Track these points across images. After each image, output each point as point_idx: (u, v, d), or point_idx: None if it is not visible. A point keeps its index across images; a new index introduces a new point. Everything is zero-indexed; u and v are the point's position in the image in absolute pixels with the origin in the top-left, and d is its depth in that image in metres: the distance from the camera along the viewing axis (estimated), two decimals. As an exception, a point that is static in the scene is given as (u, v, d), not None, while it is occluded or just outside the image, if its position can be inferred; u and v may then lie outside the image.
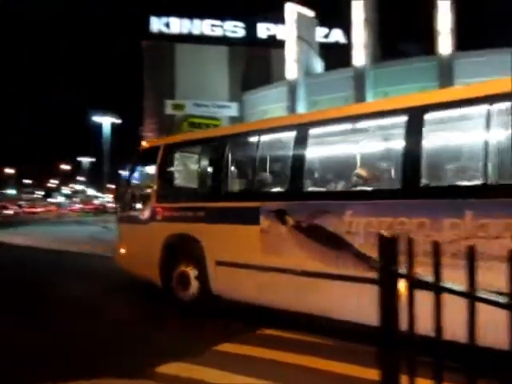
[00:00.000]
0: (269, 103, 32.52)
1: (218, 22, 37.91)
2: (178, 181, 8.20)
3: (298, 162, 5.99)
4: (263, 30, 38.41)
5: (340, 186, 6.22)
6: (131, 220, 8.47)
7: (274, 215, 6.00)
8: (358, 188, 5.75)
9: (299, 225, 5.73)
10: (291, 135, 6.18)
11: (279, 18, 32.48)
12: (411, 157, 4.90)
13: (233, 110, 35.89)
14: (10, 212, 56.88)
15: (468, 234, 4.37)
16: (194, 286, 7.01)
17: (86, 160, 64.98)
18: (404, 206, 4.94)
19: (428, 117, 4.91)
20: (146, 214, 7.96)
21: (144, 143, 9.02)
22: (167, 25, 37.37)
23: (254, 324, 6.32)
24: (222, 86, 36.61)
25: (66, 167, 79.00)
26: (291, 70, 29.89)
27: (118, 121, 30.96)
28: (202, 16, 37.65)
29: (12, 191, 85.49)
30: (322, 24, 35.82)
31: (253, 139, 6.87)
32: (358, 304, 4.96)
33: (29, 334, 6.08)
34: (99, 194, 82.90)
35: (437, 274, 1.76)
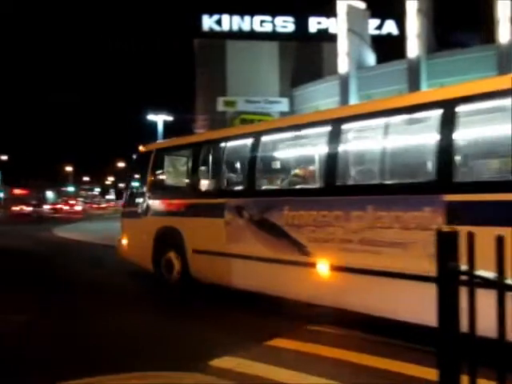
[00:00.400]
0: (320, 98, 32.19)
1: (268, 18, 37.89)
2: (166, 180, 9.34)
3: (251, 165, 7.18)
4: (314, 23, 38.07)
5: (281, 186, 7.40)
6: (130, 215, 9.69)
7: (234, 210, 7.16)
8: (292, 187, 6.95)
9: (252, 218, 6.88)
10: (247, 143, 7.30)
11: (331, 11, 32.10)
12: (330, 162, 6.06)
13: (284, 105, 35.78)
14: (79, 208, 58.36)
15: (370, 224, 5.43)
16: (176, 268, 8.28)
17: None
18: (325, 201, 6.05)
19: (342, 128, 6.07)
20: (141, 209, 9.20)
21: (141, 147, 9.88)
22: (218, 22, 37.68)
23: (301, 320, 6.29)
24: (273, 82, 36.58)
25: (121, 165, 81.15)
26: (343, 64, 29.45)
27: (170, 118, 31.42)
28: (252, 12, 37.76)
29: (71, 188, 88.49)
30: (374, 15, 35.09)
31: (220, 145, 8.06)
32: (297, 283, 6.18)
33: (89, 322, 6.29)
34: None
35: (500, 270, 1.67)
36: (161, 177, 9.37)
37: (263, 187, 7.35)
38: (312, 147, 7.32)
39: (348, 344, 5.27)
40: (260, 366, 4.64)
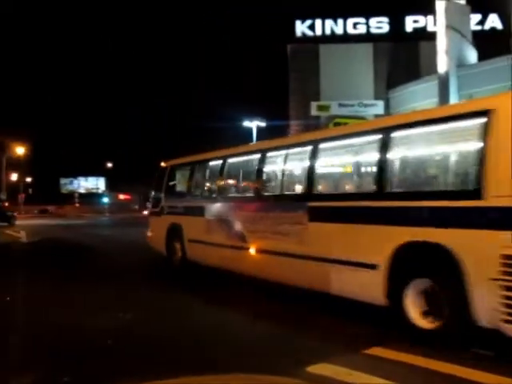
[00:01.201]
0: (418, 100, 31.05)
1: (361, 20, 37.30)
2: (175, 189, 12.28)
3: (213, 180, 10.54)
4: (410, 22, 36.92)
5: (227, 194, 10.06)
6: (154, 214, 12.67)
7: (208, 210, 10.06)
8: (234, 194, 9.96)
9: (215, 216, 9.80)
10: (217, 163, 10.23)
11: (428, 9, 30.94)
12: (255, 178, 8.92)
13: (379, 108, 35.00)
14: None
15: (276, 220, 7.97)
16: (178, 254, 11.06)
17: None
18: (254, 205, 8.76)
19: (266, 156, 8.75)
20: (160, 210, 12.19)
21: (162, 163, 12.59)
22: (311, 27, 37.68)
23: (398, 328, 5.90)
24: (367, 85, 35.91)
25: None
26: (442, 63, 28.17)
27: (263, 124, 31.77)
28: (345, 15, 37.36)
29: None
30: (476, 10, 33.35)
31: (203, 165, 11.03)
32: (239, 261, 8.81)
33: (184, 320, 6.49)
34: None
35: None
36: (173, 185, 12.28)
37: (221, 195, 10.05)
38: (248, 169, 9.68)
39: (460, 359, 4.80)
40: (360, 375, 4.48)
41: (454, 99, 27.82)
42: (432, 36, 30.06)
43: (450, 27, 28.09)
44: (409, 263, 5.66)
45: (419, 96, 30.83)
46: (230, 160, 9.88)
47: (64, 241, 22.10)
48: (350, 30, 37.28)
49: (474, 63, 29.40)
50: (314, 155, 7.40)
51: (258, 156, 8.86)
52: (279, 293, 8.10)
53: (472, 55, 30.17)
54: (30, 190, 73.30)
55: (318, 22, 37.60)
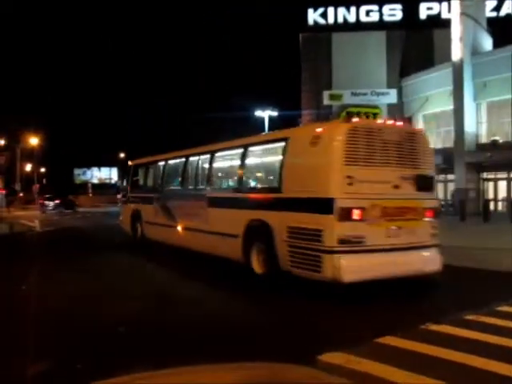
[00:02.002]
0: (431, 88, 30.79)
1: (374, 7, 36.91)
2: (137, 183, 15.27)
3: (161, 176, 13.50)
4: (424, 10, 36.46)
5: (167, 187, 13.09)
6: (123, 203, 16.28)
7: (155, 200, 13.03)
8: (169, 188, 12.99)
9: (160, 203, 12.72)
10: (161, 164, 13.63)
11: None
12: (181, 176, 12.31)
13: (392, 96, 34.73)
14: None
15: (191, 206, 11.06)
16: (139, 232, 14.07)
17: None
18: (181, 195, 11.93)
19: (187, 160, 11.92)
20: (127, 199, 15.52)
21: (129, 162, 16.45)
22: (323, 15, 37.37)
23: (413, 316, 6.01)
24: (380, 73, 35.61)
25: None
26: (456, 50, 27.80)
27: (274, 113, 31.59)
28: (357, 3, 36.99)
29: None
30: (491, -4, 32.87)
31: (153, 165, 14.34)
32: (174, 236, 11.77)
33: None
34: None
35: None
36: (136, 180, 15.37)
37: (162, 188, 13.09)
38: (178, 170, 12.69)
39: (472, 348, 4.81)
40: (371, 364, 4.44)
41: (468, 87, 27.52)
42: (446, 23, 29.72)
43: (464, 14, 27.70)
44: (252, 233, 8.51)
45: (433, 84, 30.54)
46: (169, 162, 13.26)
47: (75, 229, 22.95)
48: (363, 18, 36.91)
49: (488, 50, 29.00)
50: (209, 161, 10.69)
51: (182, 160, 12.10)
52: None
53: (487, 42, 29.74)
54: (44, 181, 73.85)
55: (331, 10, 37.28)
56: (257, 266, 8.39)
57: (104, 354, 4.95)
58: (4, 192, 48.09)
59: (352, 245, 6.91)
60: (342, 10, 37.20)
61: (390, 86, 35.11)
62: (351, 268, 6.85)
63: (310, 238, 7.12)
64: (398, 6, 36.70)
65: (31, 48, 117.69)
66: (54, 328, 5.91)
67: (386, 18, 36.73)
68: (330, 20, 37.31)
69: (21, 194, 50.92)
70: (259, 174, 9.92)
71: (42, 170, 75.15)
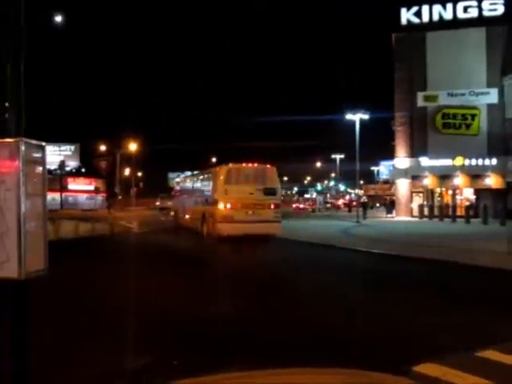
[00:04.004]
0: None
1: (473, 3, 35.09)
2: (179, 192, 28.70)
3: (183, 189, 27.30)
4: (529, 3, 34.17)
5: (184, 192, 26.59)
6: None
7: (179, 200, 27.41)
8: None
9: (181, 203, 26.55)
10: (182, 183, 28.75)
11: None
12: (190, 189, 25.55)
13: (492, 96, 32.91)
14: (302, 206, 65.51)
15: (193, 204, 23.31)
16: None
17: (338, 157, 67.21)
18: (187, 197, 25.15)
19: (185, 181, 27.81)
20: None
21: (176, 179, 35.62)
22: (417, 14, 36.14)
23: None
24: (479, 72, 33.82)
25: (319, 164, 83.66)
26: None
27: (366, 116, 30.96)
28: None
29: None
30: None
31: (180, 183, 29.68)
32: (187, 222, 23.75)
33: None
34: (350, 190, 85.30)
35: None
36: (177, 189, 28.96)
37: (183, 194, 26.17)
38: (188, 185, 25.49)
39: None
40: (468, 377, 4.19)
41: None
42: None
43: None
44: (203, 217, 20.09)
45: (539, 82, 28.56)
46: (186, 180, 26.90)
47: (167, 229, 25.09)
48: (460, 15, 35.21)
49: None
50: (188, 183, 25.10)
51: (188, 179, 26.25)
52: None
53: None
54: (141, 184, 77.45)
55: (425, 8, 35.96)
56: (203, 231, 19.17)
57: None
58: (105, 195, 51.16)
59: (227, 219, 17.28)
60: (437, 8, 35.74)
61: (490, 86, 33.28)
62: (225, 229, 17.23)
63: (213, 216, 17.90)
64: (500, 1, 34.65)
65: (134, 59, 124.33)
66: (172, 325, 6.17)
67: (486, 13, 34.77)
68: (425, 18, 35.97)
69: (119, 197, 53.81)
70: (207, 191, 20.09)
71: (139, 174, 78.99)
